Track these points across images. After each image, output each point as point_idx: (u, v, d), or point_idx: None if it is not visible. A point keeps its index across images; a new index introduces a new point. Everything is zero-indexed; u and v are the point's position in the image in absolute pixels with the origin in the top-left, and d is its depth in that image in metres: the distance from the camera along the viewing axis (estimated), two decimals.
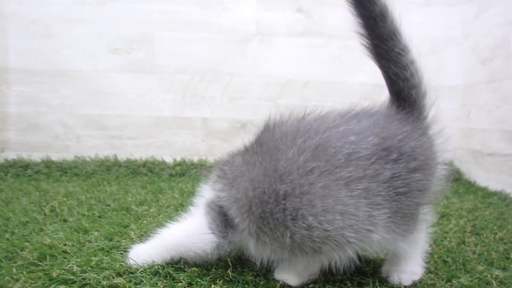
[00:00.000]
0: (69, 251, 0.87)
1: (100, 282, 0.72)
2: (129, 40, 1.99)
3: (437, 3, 2.01)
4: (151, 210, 1.25)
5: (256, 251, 0.74)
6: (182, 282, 0.74)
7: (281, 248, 0.70)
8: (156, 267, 0.78)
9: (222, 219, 0.75)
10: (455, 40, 2.03)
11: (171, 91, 2.02)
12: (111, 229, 1.03)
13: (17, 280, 0.72)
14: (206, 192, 0.81)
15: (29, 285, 0.71)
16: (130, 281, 0.73)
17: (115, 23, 1.98)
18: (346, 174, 0.66)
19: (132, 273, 0.76)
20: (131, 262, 0.79)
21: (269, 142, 0.72)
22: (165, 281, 0.75)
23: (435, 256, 0.93)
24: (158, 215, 1.20)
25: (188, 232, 0.78)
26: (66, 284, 0.72)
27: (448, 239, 1.05)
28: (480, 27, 1.89)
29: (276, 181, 0.68)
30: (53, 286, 0.71)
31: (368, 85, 2.00)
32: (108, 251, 0.88)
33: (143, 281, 0.74)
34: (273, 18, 2.01)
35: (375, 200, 0.67)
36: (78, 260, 0.81)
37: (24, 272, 0.76)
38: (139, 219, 1.16)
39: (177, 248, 0.78)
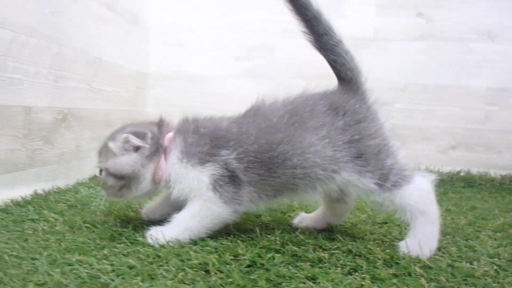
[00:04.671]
0: None
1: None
2: (250, 48, 2.16)
3: None
4: None
5: (254, 198, 0.96)
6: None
7: (273, 189, 0.96)
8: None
9: (232, 185, 0.93)
10: None
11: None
12: None
13: None
14: (201, 175, 0.93)
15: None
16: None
17: (238, 33, 2.16)
18: (313, 123, 0.95)
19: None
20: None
21: (263, 110, 1.01)
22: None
23: None
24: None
25: (204, 216, 0.94)
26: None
27: None
28: None
29: (272, 132, 0.95)
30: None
31: (491, 89, 1.97)
32: None
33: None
34: (390, 23, 2.06)
35: (336, 143, 0.94)
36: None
37: None
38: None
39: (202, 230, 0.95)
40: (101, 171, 1.02)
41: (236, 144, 0.95)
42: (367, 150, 0.94)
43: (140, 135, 0.97)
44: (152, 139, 0.99)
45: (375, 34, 2.07)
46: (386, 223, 1.21)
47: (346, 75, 1.01)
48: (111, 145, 0.99)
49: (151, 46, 2.20)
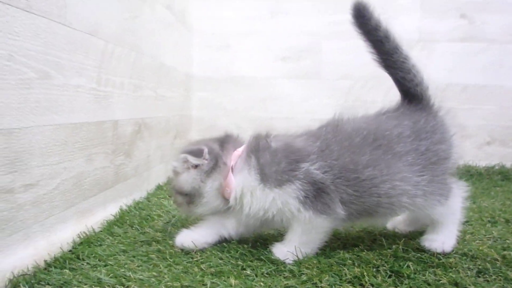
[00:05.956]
0: None
1: None
2: (298, 50, 2.14)
3: None
4: None
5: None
6: None
7: (356, 212, 0.91)
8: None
9: (321, 195, 0.89)
10: None
11: (334, 96, 2.16)
12: None
13: None
14: (283, 196, 0.90)
15: None
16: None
17: (285, 34, 2.13)
18: (399, 149, 0.91)
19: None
20: None
21: (343, 127, 0.95)
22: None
23: None
24: None
25: (312, 231, 0.93)
26: None
27: None
28: None
29: (357, 153, 0.90)
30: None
31: None
32: None
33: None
34: (435, 25, 2.11)
35: (418, 169, 0.91)
36: None
37: None
38: None
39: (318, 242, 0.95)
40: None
41: (318, 158, 0.90)
42: (439, 173, 0.94)
43: (197, 153, 0.98)
44: (210, 154, 0.99)
45: (420, 35, 2.12)
46: (467, 221, 1.26)
47: (415, 90, 0.99)
48: (174, 164, 1.02)
49: (196, 48, 2.13)
